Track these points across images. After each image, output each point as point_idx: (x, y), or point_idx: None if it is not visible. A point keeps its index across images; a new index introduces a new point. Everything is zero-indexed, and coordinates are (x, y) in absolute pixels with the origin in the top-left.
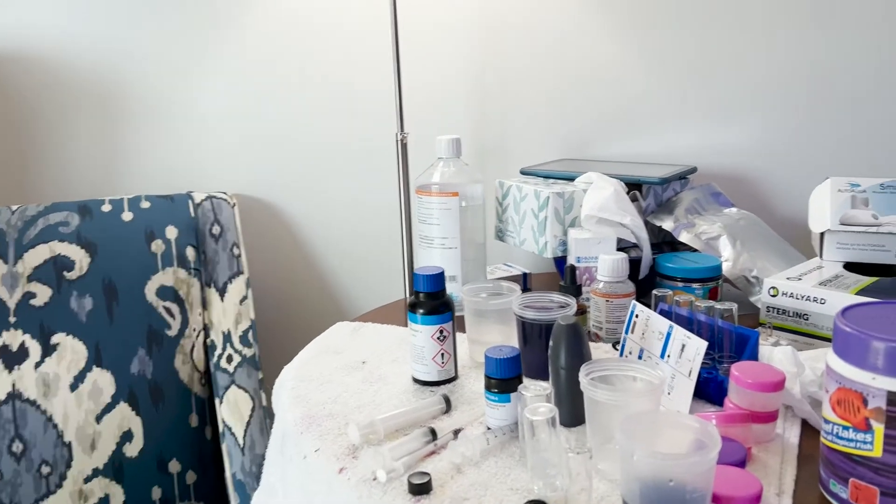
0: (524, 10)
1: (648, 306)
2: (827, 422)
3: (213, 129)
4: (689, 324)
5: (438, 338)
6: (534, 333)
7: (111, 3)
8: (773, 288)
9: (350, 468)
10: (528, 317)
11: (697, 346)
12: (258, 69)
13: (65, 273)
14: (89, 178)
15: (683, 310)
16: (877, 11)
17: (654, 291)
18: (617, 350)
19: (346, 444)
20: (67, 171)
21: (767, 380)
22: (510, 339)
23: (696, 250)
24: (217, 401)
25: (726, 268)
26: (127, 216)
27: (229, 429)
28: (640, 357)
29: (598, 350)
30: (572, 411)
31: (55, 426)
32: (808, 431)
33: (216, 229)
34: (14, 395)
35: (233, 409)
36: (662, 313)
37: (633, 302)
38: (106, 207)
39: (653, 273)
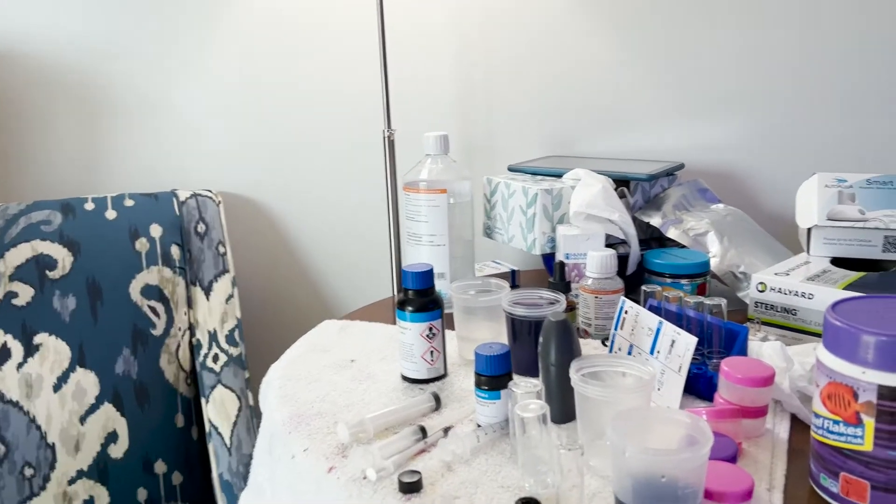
0: (512, 7)
1: (637, 302)
2: (817, 416)
3: (197, 126)
4: (679, 320)
5: (427, 335)
6: (523, 330)
7: (94, 2)
8: (762, 283)
9: (339, 467)
10: (518, 314)
11: (687, 342)
12: (243, 66)
13: (47, 272)
14: (72, 176)
15: (673, 306)
16: (862, 8)
17: (644, 287)
18: (606, 346)
19: (335, 443)
20: (49, 170)
21: (757, 375)
22: (499, 336)
23: (683, 246)
24: (203, 400)
25: (714, 264)
26: (111, 214)
27: (216, 429)
28: (629, 353)
29: (588, 346)
30: (563, 408)
31: (38, 427)
32: (798, 426)
33: (201, 227)
34: None
35: (219, 409)
36: (651, 309)
37: (623, 298)
38: (89, 206)
39: (641, 269)
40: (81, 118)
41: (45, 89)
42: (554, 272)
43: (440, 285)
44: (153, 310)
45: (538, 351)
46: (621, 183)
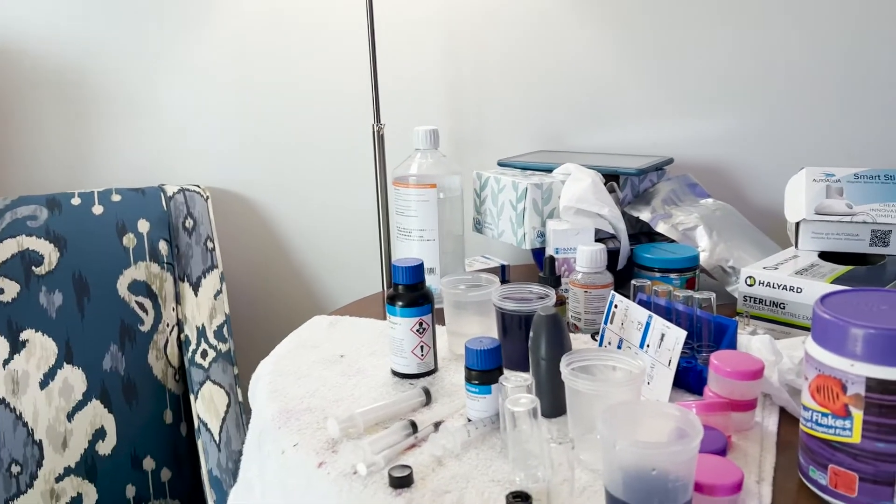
0: (501, 2)
1: (627, 297)
2: (806, 409)
3: (185, 121)
4: (668, 314)
5: (418, 330)
6: (514, 325)
7: None
8: (750, 277)
9: (329, 462)
10: (508, 308)
11: (676, 336)
12: (231, 62)
13: (33, 268)
14: (58, 171)
15: (662, 300)
16: (850, 5)
17: (633, 282)
18: (596, 340)
19: (326, 439)
20: (35, 165)
21: (746, 368)
22: (490, 331)
23: (673, 241)
24: (192, 396)
25: (703, 258)
26: (97, 210)
27: (205, 425)
28: (619, 347)
29: (578, 341)
30: (553, 402)
31: (25, 424)
32: (787, 419)
33: (189, 223)
34: None
35: (208, 405)
36: (641, 303)
37: (612, 292)
38: (75, 201)
39: (630, 264)
40: (68, 113)
41: (32, 84)
42: (544, 267)
43: (430, 280)
44: (141, 305)
45: (528, 345)
46: (611, 178)
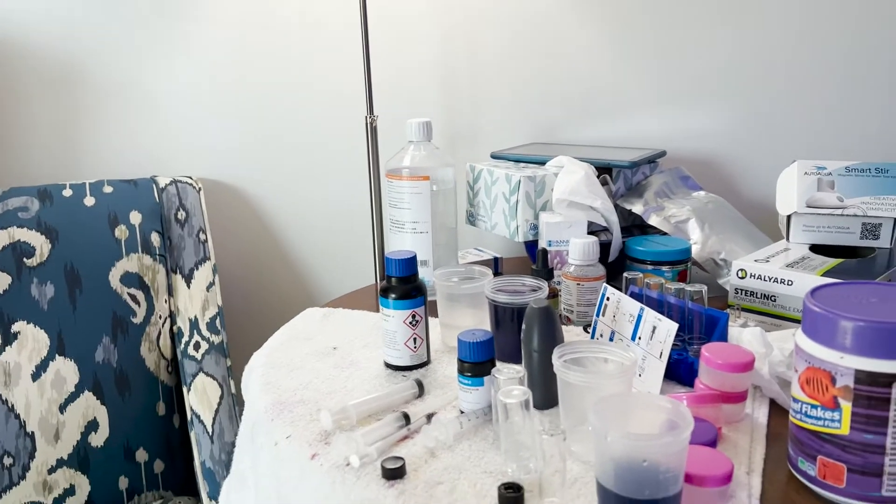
0: None
1: (619, 289)
2: (796, 401)
3: (177, 113)
4: (660, 306)
5: (410, 322)
6: (506, 317)
7: None
8: (742, 270)
9: (322, 454)
10: (501, 300)
11: (668, 328)
12: (224, 54)
13: (25, 259)
14: (49, 163)
15: (654, 292)
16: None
17: (625, 274)
18: (588, 333)
19: (318, 430)
20: (27, 156)
21: (737, 361)
22: (482, 323)
23: (665, 233)
24: (185, 388)
25: (695, 251)
26: (89, 201)
27: (198, 416)
28: (611, 339)
29: (570, 333)
30: (545, 394)
31: (17, 416)
32: (777, 411)
33: (181, 214)
34: None
35: (201, 397)
36: (633, 296)
37: (605, 285)
38: (67, 192)
39: (623, 256)
40: (59, 104)
41: (23, 75)
42: (537, 259)
43: (423, 273)
44: (133, 297)
45: (521, 337)
46: (604, 170)
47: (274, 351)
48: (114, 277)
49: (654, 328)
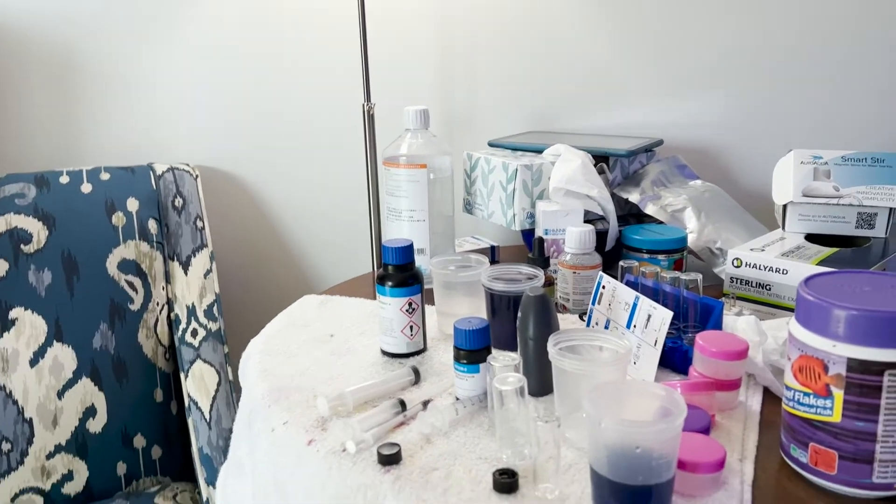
0: None
1: (615, 277)
2: (788, 389)
3: (174, 100)
4: (655, 294)
5: (407, 310)
6: (502, 305)
7: None
8: (737, 259)
9: (319, 440)
10: (497, 289)
11: (663, 317)
12: (221, 41)
13: (22, 246)
14: (46, 149)
15: (649, 281)
16: None
17: (621, 263)
18: (584, 321)
19: (315, 417)
20: (23, 143)
21: (731, 349)
22: (479, 312)
23: (661, 222)
24: (182, 375)
25: (691, 239)
26: (86, 188)
27: (195, 403)
28: (606, 327)
29: (566, 321)
30: (540, 381)
31: (15, 402)
32: (770, 399)
33: (178, 202)
34: None
35: (198, 384)
36: (629, 284)
37: (600, 273)
38: (64, 179)
39: (619, 245)
40: (56, 90)
41: (19, 61)
42: (533, 248)
43: (420, 261)
44: (130, 284)
45: (517, 325)
46: (601, 159)
47: (271, 338)
48: (111, 264)
49: (650, 316)
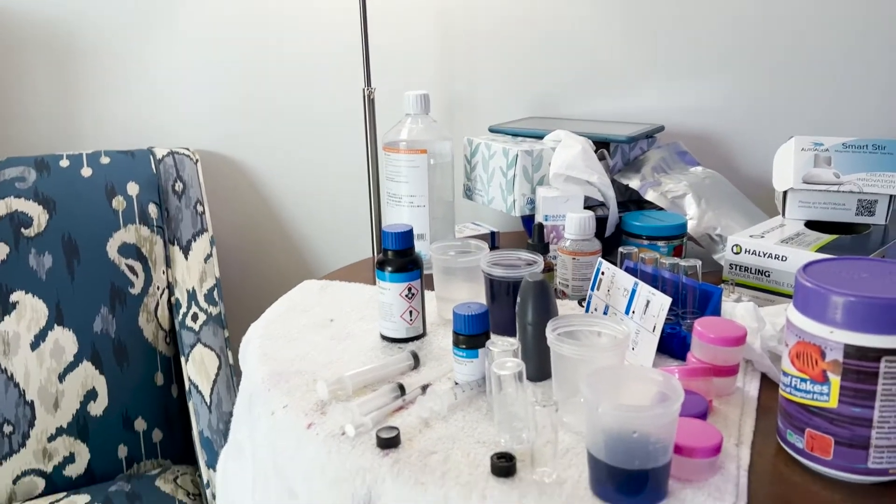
0: None
1: (614, 264)
2: (786, 374)
3: (175, 84)
4: (654, 280)
5: (407, 295)
6: (502, 291)
7: None
8: (737, 246)
9: (318, 423)
10: (496, 274)
11: (662, 303)
12: (222, 24)
13: (22, 230)
14: (46, 133)
15: (648, 267)
16: None
17: (620, 249)
18: (583, 307)
19: (315, 401)
20: (23, 126)
21: (729, 335)
22: (478, 297)
23: (661, 209)
24: (183, 359)
25: (691, 226)
26: (86, 172)
27: (196, 387)
28: (605, 313)
29: (565, 307)
30: (539, 366)
31: (16, 385)
32: (768, 385)
33: (179, 186)
34: None
35: (199, 368)
36: (628, 270)
37: (600, 259)
38: (64, 163)
39: (619, 231)
40: (56, 74)
41: (20, 45)
42: (533, 233)
43: (420, 246)
44: (131, 268)
45: (516, 311)
46: (601, 145)
47: (271, 322)
48: (111, 248)
49: (648, 302)
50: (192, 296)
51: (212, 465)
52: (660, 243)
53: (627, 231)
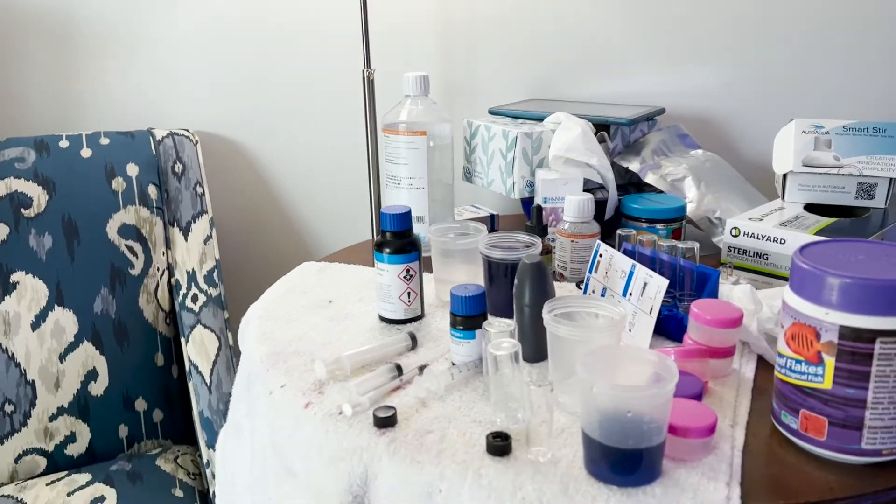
0: None
1: (613, 246)
2: (781, 356)
3: (174, 64)
4: (652, 263)
5: (405, 277)
6: (499, 272)
7: None
8: (735, 228)
9: (316, 403)
10: (495, 256)
11: (658, 284)
12: (221, 4)
13: (22, 210)
14: (45, 113)
15: (646, 249)
16: None
17: (618, 231)
18: (581, 290)
19: (313, 380)
20: (22, 107)
21: (725, 317)
22: (476, 279)
23: (661, 191)
24: (183, 340)
25: (690, 209)
26: (86, 153)
27: (196, 367)
28: (603, 295)
29: (563, 289)
30: (535, 347)
31: (17, 365)
32: (764, 367)
33: (178, 167)
34: None
35: (199, 349)
36: (626, 253)
37: (598, 242)
38: (63, 144)
39: (618, 214)
40: (55, 54)
41: (19, 25)
42: (531, 216)
43: (419, 228)
44: (131, 249)
45: (513, 292)
46: (601, 127)
47: (270, 303)
48: (111, 229)
49: (645, 284)
50: (191, 277)
51: (212, 445)
52: (659, 226)
53: (627, 214)
